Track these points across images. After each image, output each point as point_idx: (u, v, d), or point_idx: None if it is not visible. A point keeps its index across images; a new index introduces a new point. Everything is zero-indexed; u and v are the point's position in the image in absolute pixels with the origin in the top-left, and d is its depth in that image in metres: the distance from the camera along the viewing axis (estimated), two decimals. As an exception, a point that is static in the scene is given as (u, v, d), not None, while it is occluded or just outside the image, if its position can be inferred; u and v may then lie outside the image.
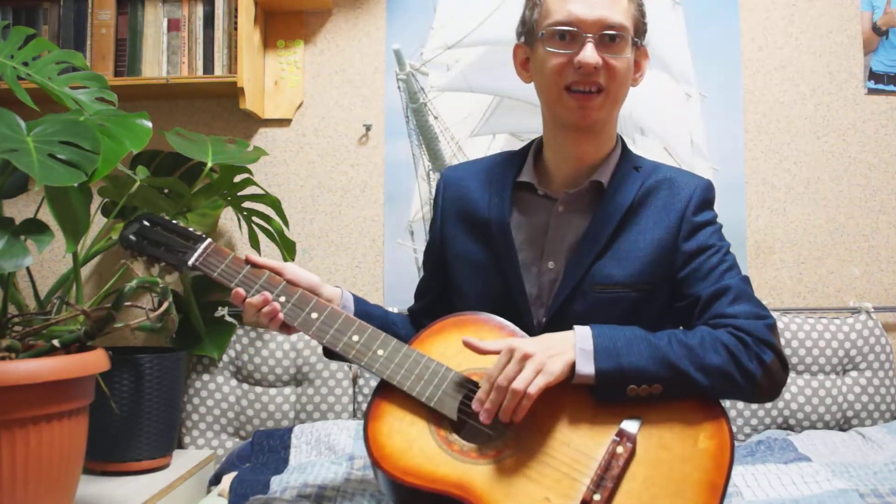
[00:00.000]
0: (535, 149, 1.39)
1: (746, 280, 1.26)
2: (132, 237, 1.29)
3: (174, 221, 1.32)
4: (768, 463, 1.73)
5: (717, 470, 1.09)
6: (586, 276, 1.26)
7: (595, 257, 1.26)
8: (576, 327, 1.17)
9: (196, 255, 1.27)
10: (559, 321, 1.23)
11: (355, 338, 1.23)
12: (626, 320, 1.20)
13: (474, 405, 1.14)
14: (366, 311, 1.36)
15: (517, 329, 1.24)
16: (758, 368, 1.15)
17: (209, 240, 1.30)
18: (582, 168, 1.32)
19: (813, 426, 2.06)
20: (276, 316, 1.23)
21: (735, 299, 1.21)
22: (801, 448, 1.85)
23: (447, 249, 1.40)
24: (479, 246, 1.34)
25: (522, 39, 1.34)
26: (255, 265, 1.28)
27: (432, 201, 1.46)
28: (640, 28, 1.30)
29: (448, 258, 1.40)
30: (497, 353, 1.15)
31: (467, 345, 1.17)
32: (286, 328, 1.26)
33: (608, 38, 1.23)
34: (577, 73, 1.23)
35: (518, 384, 1.10)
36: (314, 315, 1.24)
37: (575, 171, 1.32)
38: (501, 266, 1.31)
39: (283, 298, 1.25)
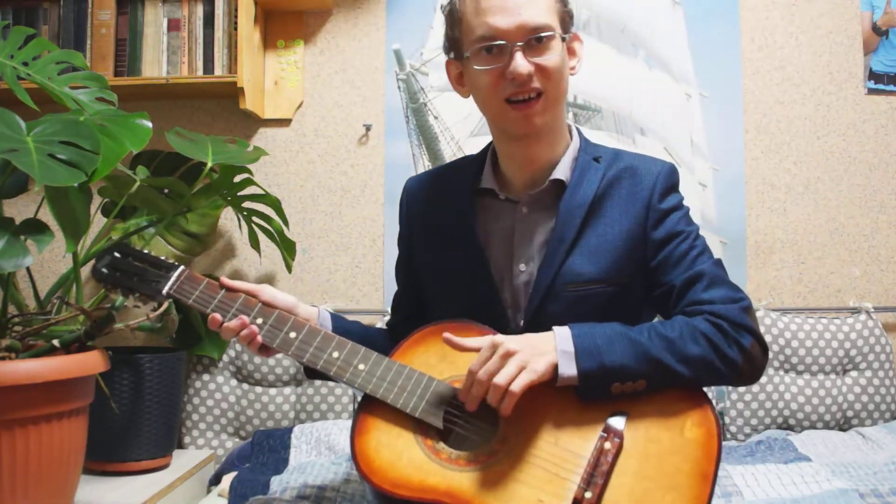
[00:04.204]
0: (493, 153, 1.36)
1: (719, 263, 1.25)
2: (104, 270, 1.28)
3: (145, 251, 1.31)
4: (768, 463, 1.73)
5: (707, 459, 1.09)
6: (558, 275, 1.25)
7: (564, 256, 1.25)
8: (554, 328, 1.16)
9: (170, 283, 1.26)
10: (537, 324, 1.22)
11: (335, 354, 1.22)
12: (604, 316, 1.19)
13: (460, 395, 1.13)
14: (344, 328, 1.35)
15: (498, 333, 1.21)
16: (738, 355, 1.15)
17: (182, 267, 1.29)
18: (540, 170, 1.30)
19: (813, 426, 2.06)
20: (254, 339, 1.22)
21: (709, 285, 1.21)
22: (801, 448, 1.85)
23: (418, 262, 1.39)
24: (449, 256, 1.33)
25: (452, 55, 1.31)
26: (229, 289, 1.26)
27: (398, 214, 1.44)
28: (566, 19, 1.27)
29: (420, 270, 1.39)
30: (478, 350, 1.14)
31: (447, 342, 1.15)
32: (265, 350, 1.25)
33: (535, 40, 1.21)
34: (511, 84, 1.21)
35: (500, 379, 1.09)
36: (292, 334, 1.23)
37: (533, 174, 1.31)
38: (473, 274, 1.30)
39: (260, 320, 1.24)
